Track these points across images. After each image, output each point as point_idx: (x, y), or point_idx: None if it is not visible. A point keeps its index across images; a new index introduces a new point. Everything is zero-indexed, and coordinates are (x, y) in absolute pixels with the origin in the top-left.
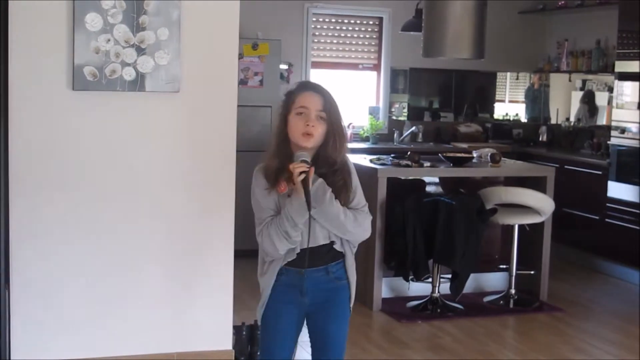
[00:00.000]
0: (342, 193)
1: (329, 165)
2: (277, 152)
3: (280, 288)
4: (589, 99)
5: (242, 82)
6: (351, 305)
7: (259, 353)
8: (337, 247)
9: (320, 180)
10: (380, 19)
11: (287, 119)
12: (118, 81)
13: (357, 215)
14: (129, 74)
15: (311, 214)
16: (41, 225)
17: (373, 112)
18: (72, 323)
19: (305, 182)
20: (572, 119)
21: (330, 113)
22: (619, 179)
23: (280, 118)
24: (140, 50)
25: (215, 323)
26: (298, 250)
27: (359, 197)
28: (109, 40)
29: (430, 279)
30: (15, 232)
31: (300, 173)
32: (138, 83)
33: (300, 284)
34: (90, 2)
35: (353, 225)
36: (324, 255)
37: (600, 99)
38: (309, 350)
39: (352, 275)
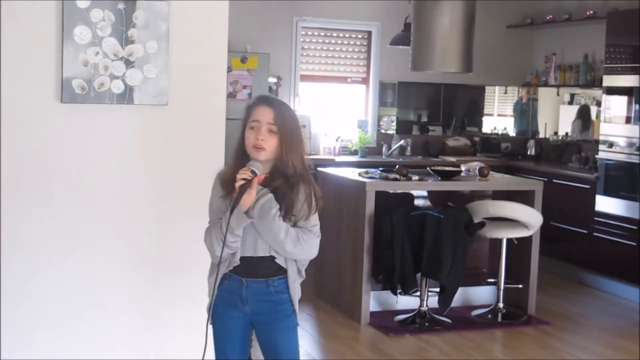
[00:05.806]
0: (294, 206)
1: (285, 178)
2: (234, 163)
3: (224, 293)
4: (584, 113)
5: (231, 96)
6: (296, 316)
7: (214, 354)
8: (278, 261)
9: (270, 196)
10: (369, 32)
11: (244, 133)
12: (107, 94)
13: (301, 235)
14: (117, 87)
15: (255, 226)
16: (30, 238)
17: (362, 125)
18: (57, 331)
19: (242, 189)
20: (561, 132)
21: (282, 126)
22: (607, 192)
23: (240, 132)
24: (128, 63)
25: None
26: (238, 258)
27: (312, 216)
28: (97, 53)
29: (418, 293)
30: (5, 244)
31: (242, 179)
32: (126, 96)
33: (240, 292)
34: (79, 14)
35: (292, 245)
36: (266, 268)
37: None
38: None
39: (293, 291)
